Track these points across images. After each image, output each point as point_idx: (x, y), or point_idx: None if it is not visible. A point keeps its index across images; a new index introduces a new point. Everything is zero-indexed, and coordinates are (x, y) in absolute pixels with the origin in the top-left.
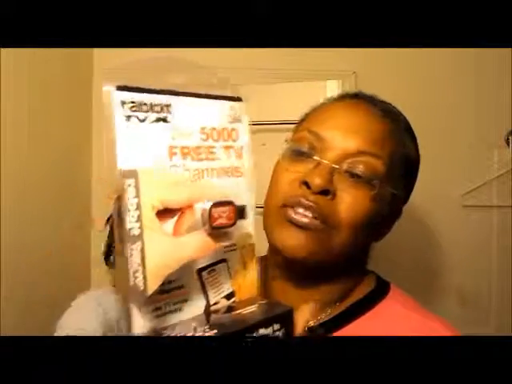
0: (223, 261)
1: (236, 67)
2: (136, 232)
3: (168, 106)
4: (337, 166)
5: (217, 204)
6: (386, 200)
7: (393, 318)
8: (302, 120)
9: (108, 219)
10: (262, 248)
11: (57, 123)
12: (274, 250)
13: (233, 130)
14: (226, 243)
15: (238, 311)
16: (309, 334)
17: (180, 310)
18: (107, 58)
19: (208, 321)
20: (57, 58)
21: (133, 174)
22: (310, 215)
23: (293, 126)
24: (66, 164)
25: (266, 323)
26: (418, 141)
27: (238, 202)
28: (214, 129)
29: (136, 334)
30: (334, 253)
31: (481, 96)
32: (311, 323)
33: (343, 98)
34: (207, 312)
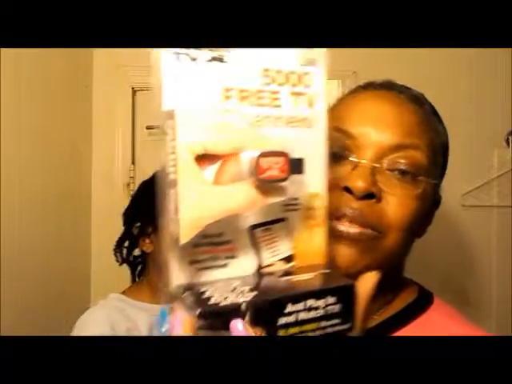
0: (282, 220)
1: None
2: (172, 177)
3: None
4: (377, 165)
5: (266, 153)
6: (430, 194)
7: (436, 331)
8: None
9: (125, 212)
10: None
11: (57, 122)
12: None
13: (305, 74)
14: (278, 199)
15: (291, 277)
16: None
17: (225, 265)
18: (107, 58)
19: (255, 282)
20: (57, 58)
21: (171, 114)
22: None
23: None
24: (66, 163)
25: (318, 294)
26: None
27: (301, 156)
28: (279, 71)
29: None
30: (385, 260)
31: (481, 96)
32: None
33: (365, 88)
34: (259, 273)
